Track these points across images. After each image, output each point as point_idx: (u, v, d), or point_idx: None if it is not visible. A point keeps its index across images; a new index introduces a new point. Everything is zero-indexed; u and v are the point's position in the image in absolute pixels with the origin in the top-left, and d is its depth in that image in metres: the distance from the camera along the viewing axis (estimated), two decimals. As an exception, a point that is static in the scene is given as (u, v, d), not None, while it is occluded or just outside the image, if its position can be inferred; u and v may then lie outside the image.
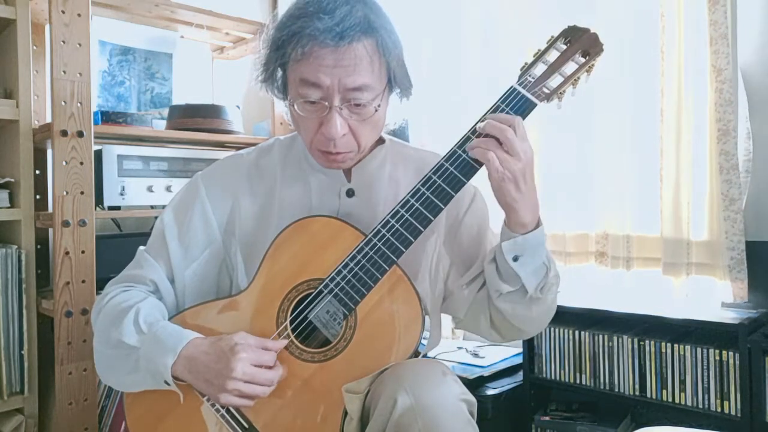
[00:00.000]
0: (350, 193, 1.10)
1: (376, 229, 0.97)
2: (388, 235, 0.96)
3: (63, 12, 1.61)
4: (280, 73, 1.02)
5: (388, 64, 0.99)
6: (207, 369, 0.92)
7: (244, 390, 0.90)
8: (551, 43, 1.01)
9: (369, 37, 0.95)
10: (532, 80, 0.99)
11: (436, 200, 0.96)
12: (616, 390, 1.80)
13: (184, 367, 0.93)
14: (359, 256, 0.96)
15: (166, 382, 0.94)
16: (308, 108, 0.98)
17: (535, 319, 1.06)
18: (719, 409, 1.63)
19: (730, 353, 1.61)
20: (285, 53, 0.97)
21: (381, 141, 1.15)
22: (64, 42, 1.62)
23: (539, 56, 1.01)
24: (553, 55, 1.00)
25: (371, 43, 0.96)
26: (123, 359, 0.98)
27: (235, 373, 0.89)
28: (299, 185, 1.11)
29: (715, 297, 1.82)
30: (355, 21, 0.94)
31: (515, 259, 0.98)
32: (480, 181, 1.03)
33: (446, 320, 1.23)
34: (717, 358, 1.63)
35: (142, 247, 1.12)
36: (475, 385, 1.91)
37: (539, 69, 1.00)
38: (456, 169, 0.96)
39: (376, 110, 0.99)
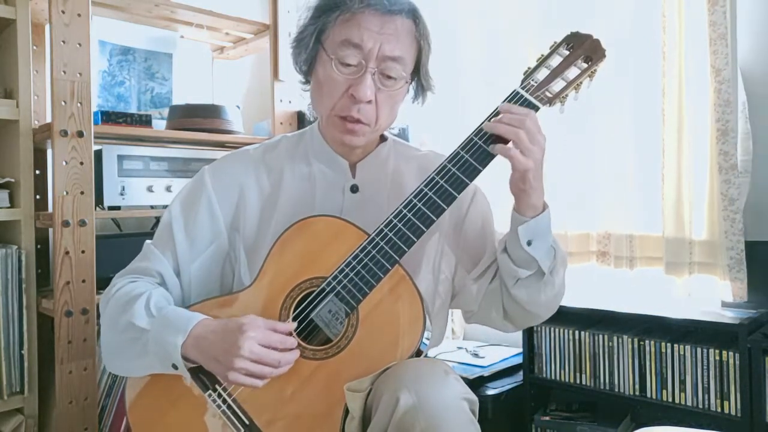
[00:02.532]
0: (354, 189, 1.11)
1: (379, 229, 0.97)
2: (390, 235, 0.96)
3: (63, 12, 1.61)
4: (314, 42, 1.05)
5: (420, 51, 1.06)
6: (215, 347, 0.92)
7: (251, 369, 0.90)
8: (554, 49, 1.03)
9: (411, 17, 1.04)
10: (535, 84, 1.01)
11: (439, 201, 0.97)
12: (616, 390, 1.81)
13: (194, 346, 0.93)
14: (362, 255, 0.96)
15: (174, 366, 0.94)
16: (343, 70, 1.02)
17: (547, 302, 1.08)
18: (719, 409, 1.63)
19: (730, 353, 1.62)
20: (330, 17, 1.02)
21: (384, 139, 1.16)
22: (64, 42, 1.62)
23: (542, 61, 1.03)
24: (555, 60, 1.02)
25: (412, 23, 1.04)
26: (131, 343, 0.99)
27: (243, 350, 0.89)
28: (304, 181, 1.11)
29: (716, 296, 1.83)
30: (404, 0, 1.03)
31: (529, 243, 1.00)
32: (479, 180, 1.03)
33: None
34: (717, 358, 1.64)
35: (148, 241, 1.12)
36: (475, 385, 1.92)
37: (542, 73, 1.02)
38: (459, 170, 0.97)
39: (407, 82, 1.05)
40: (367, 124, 1.04)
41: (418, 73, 1.09)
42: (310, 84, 1.11)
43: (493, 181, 1.48)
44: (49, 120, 1.69)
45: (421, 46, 1.06)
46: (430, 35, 1.07)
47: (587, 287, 2.05)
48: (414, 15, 1.04)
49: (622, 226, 2.02)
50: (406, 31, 1.03)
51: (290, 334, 0.95)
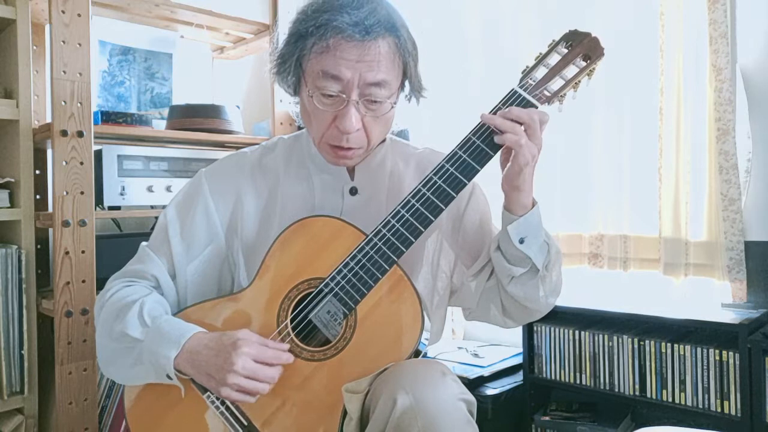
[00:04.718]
0: (353, 192, 1.10)
1: (377, 229, 0.97)
2: (388, 235, 0.96)
3: (63, 12, 1.61)
4: (295, 67, 1.03)
5: (406, 64, 1.02)
6: (208, 363, 0.92)
7: (244, 385, 0.90)
8: (552, 47, 1.02)
9: (391, 35, 0.98)
10: (533, 83, 1.00)
11: (437, 201, 0.96)
12: (616, 390, 1.80)
13: (186, 360, 0.93)
14: (360, 256, 0.96)
15: (168, 376, 0.94)
16: (325, 101, 0.99)
17: (545, 298, 1.07)
18: (719, 409, 1.63)
19: (730, 353, 1.61)
20: (306, 45, 0.98)
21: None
22: (64, 42, 1.62)
23: (540, 59, 1.02)
24: (554, 59, 1.01)
25: (393, 41, 0.99)
26: (126, 352, 0.98)
27: (236, 367, 0.89)
28: (303, 184, 1.11)
29: (714, 297, 1.83)
30: (380, 18, 0.97)
31: (521, 241, 1.00)
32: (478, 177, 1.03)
33: (446, 320, 1.23)
34: (717, 358, 1.64)
35: (144, 243, 1.12)
36: (475, 385, 1.92)
37: (540, 72, 1.01)
38: (457, 170, 0.97)
39: (392, 106, 1.02)
40: (359, 147, 1.03)
41: (409, 82, 1.05)
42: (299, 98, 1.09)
43: (491, 179, 1.47)
44: (49, 120, 1.69)
45: (405, 60, 1.01)
46: (415, 46, 1.03)
47: (581, 290, 2.04)
48: (394, 32, 0.98)
49: (616, 227, 2.01)
50: (386, 52, 0.97)
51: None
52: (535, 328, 1.96)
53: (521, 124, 0.95)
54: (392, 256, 0.95)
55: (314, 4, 0.99)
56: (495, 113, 0.98)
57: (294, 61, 1.02)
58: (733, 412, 1.61)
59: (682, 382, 1.69)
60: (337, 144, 1.02)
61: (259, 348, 0.92)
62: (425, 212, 0.96)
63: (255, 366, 0.91)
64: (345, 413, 0.93)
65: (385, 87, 0.99)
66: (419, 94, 1.08)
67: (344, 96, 0.98)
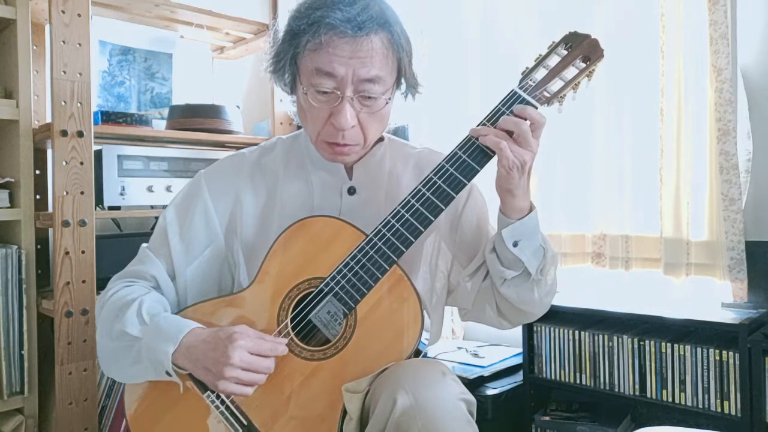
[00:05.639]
0: (352, 191, 1.10)
1: (377, 229, 0.97)
2: (388, 235, 0.96)
3: (63, 12, 1.61)
4: (290, 64, 1.03)
5: (400, 60, 1.02)
6: (206, 356, 0.92)
7: (242, 377, 0.91)
8: (552, 48, 1.03)
9: (384, 31, 0.98)
10: (533, 84, 1.00)
11: (436, 201, 0.97)
12: (616, 390, 1.80)
13: (184, 355, 0.93)
14: (360, 256, 0.96)
15: (167, 373, 0.94)
16: (320, 98, 1.00)
17: (539, 301, 1.07)
18: (719, 409, 1.63)
19: (730, 353, 1.61)
20: (300, 43, 0.99)
21: (380, 138, 1.15)
22: (64, 42, 1.62)
23: (540, 61, 1.02)
24: (553, 60, 1.02)
25: (386, 37, 0.99)
26: (125, 351, 0.99)
27: (233, 360, 0.89)
28: (301, 184, 1.11)
29: (714, 297, 1.83)
30: (373, 14, 0.97)
31: (515, 244, 1.00)
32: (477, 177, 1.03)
33: (446, 320, 1.24)
34: (717, 358, 1.64)
35: (144, 244, 1.13)
36: (475, 385, 1.92)
37: (540, 73, 1.01)
38: (456, 170, 0.97)
39: (387, 102, 1.02)
40: (356, 144, 1.04)
41: (404, 77, 1.05)
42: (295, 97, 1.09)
43: (491, 180, 1.47)
44: (49, 120, 1.69)
45: (399, 56, 1.01)
46: (409, 42, 1.03)
47: (583, 290, 2.04)
48: (387, 28, 0.98)
49: (617, 227, 2.01)
50: (379, 48, 0.97)
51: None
52: (535, 328, 1.96)
53: (510, 133, 0.95)
54: (392, 255, 0.96)
55: (307, 2, 1.00)
56: (494, 113, 0.99)
57: (289, 59, 1.02)
58: (733, 412, 1.61)
59: (682, 382, 1.69)
60: (333, 141, 1.02)
61: (255, 341, 0.93)
62: (425, 212, 0.96)
63: (251, 358, 0.91)
64: (345, 413, 0.93)
65: (379, 83, 0.99)
66: (414, 90, 1.08)
67: (338, 93, 0.98)
